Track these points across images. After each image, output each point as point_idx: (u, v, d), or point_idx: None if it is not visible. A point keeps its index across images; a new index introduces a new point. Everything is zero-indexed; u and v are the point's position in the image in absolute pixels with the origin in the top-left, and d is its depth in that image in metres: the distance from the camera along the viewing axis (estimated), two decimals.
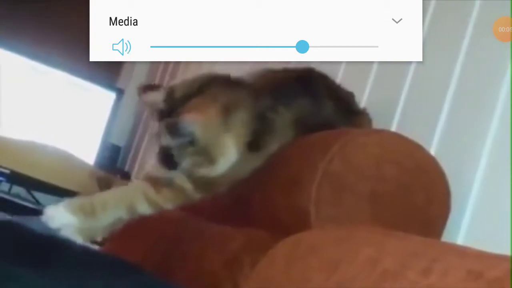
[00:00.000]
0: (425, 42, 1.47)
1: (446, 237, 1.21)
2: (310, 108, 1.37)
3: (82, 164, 2.72)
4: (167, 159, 1.28)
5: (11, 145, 2.66)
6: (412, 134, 1.26)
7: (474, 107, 1.30)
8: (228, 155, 1.29)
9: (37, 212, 2.47)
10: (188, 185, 1.31)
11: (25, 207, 2.55)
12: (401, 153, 1.21)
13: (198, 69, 2.67)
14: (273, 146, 1.34)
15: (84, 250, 1.18)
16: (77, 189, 2.58)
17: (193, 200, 1.34)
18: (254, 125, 1.31)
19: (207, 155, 1.28)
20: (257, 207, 1.35)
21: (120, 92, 3.04)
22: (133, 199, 1.32)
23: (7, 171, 2.61)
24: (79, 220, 1.27)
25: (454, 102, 1.36)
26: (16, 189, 2.77)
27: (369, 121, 1.45)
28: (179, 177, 1.31)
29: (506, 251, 1.02)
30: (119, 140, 3.09)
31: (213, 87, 1.33)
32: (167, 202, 1.32)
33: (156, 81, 3.07)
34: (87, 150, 2.90)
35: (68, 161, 2.67)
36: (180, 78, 2.79)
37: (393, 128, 1.48)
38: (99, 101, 2.99)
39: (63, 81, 2.95)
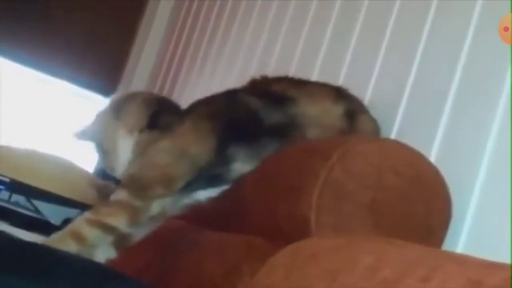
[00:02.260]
0: (425, 46, 1.48)
1: (446, 245, 1.21)
2: (227, 103, 1.43)
3: (82, 173, 2.72)
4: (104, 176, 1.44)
5: (11, 154, 2.66)
6: (412, 140, 1.26)
7: (474, 112, 1.30)
8: (123, 141, 1.43)
9: (37, 221, 2.48)
10: (122, 194, 1.34)
11: (24, 215, 2.55)
12: (402, 162, 1.21)
13: (199, 76, 2.68)
14: (184, 129, 1.38)
15: (69, 257, 1.18)
16: (77, 198, 2.58)
17: (138, 210, 1.34)
18: (149, 110, 1.44)
19: (111, 151, 1.44)
20: (257, 215, 1.34)
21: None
22: (74, 227, 1.33)
23: (6, 180, 2.60)
24: None
25: (455, 108, 1.35)
26: (16, 197, 2.76)
27: (310, 101, 1.43)
28: (114, 194, 1.35)
29: (506, 259, 1.02)
30: None
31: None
32: (109, 216, 1.32)
33: (156, 89, 3.08)
34: (87, 158, 2.90)
35: (68, 169, 2.67)
36: (181, 86, 2.80)
37: (393, 134, 1.48)
38: (98, 109, 2.99)
39: (63, 90, 2.95)
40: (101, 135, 1.47)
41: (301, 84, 1.48)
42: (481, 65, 1.32)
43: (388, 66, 1.60)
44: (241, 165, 1.37)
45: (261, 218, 1.33)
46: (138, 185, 1.34)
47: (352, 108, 1.43)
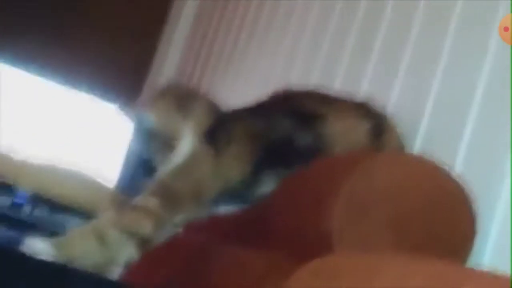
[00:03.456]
0: (449, 56, 1.46)
1: (470, 260, 1.19)
2: (263, 126, 1.41)
3: (103, 187, 2.73)
4: (144, 167, 1.37)
5: (33, 169, 2.68)
6: (436, 152, 1.25)
7: (497, 126, 1.28)
8: (187, 138, 1.37)
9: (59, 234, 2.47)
10: (152, 202, 1.32)
11: (47, 229, 2.56)
12: (426, 177, 1.19)
13: (221, 90, 2.68)
14: (231, 152, 1.37)
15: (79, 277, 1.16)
16: (98, 211, 2.58)
17: (164, 220, 1.32)
18: (211, 119, 1.40)
19: (170, 144, 1.38)
20: (280, 230, 1.33)
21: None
22: (98, 225, 1.31)
23: (29, 193, 2.62)
24: (52, 252, 1.27)
25: (478, 121, 1.34)
26: (39, 211, 2.78)
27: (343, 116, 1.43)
28: (141, 197, 1.33)
29: None
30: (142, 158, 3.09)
31: None
32: (134, 222, 1.30)
33: None
34: (110, 171, 2.90)
35: (89, 184, 2.68)
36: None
37: (417, 146, 1.46)
38: (120, 121, 3.00)
39: (85, 102, 2.96)
40: (161, 127, 1.43)
41: (330, 100, 1.48)
42: (504, 78, 1.30)
43: (410, 79, 1.59)
44: (268, 189, 1.37)
45: (284, 233, 1.32)
46: (171, 198, 1.33)
47: (378, 125, 1.42)
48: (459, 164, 1.33)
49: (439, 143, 1.42)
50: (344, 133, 1.39)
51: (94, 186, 2.69)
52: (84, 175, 2.71)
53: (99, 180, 2.74)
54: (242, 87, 2.48)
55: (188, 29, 3.32)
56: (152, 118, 1.38)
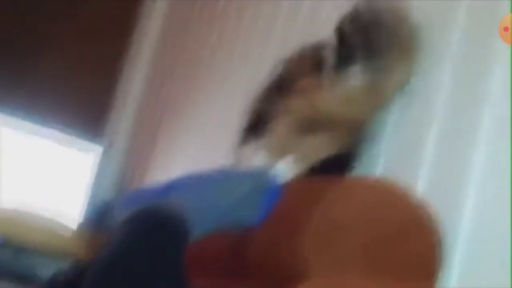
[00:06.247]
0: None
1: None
2: None
3: (67, 228, 2.71)
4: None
5: None
6: (398, 173, 1.26)
7: (459, 141, 1.29)
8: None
9: (28, 277, 2.43)
10: None
11: (14, 271, 2.53)
12: (396, 201, 1.22)
13: (188, 119, 2.68)
14: None
15: None
16: (65, 252, 2.55)
17: None
18: None
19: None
20: (257, 257, 1.34)
21: (106, 147, 3.04)
22: None
23: None
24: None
25: (439, 141, 1.34)
26: (3, 252, 2.75)
27: None
28: None
29: None
30: (106, 194, 3.09)
31: None
32: None
33: (142, 136, 3.07)
34: (74, 206, 2.89)
35: (52, 226, 2.66)
36: (167, 134, 2.80)
37: (379, 168, 1.46)
38: (85, 156, 2.99)
39: (48, 137, 2.95)
40: None
41: None
42: (467, 88, 1.31)
43: None
44: None
45: (260, 263, 1.33)
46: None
47: None
48: (421, 184, 1.33)
49: (401, 163, 1.42)
50: None
51: (57, 228, 2.67)
52: (47, 217, 2.70)
53: (61, 220, 2.72)
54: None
55: (147, 65, 3.34)
56: None
